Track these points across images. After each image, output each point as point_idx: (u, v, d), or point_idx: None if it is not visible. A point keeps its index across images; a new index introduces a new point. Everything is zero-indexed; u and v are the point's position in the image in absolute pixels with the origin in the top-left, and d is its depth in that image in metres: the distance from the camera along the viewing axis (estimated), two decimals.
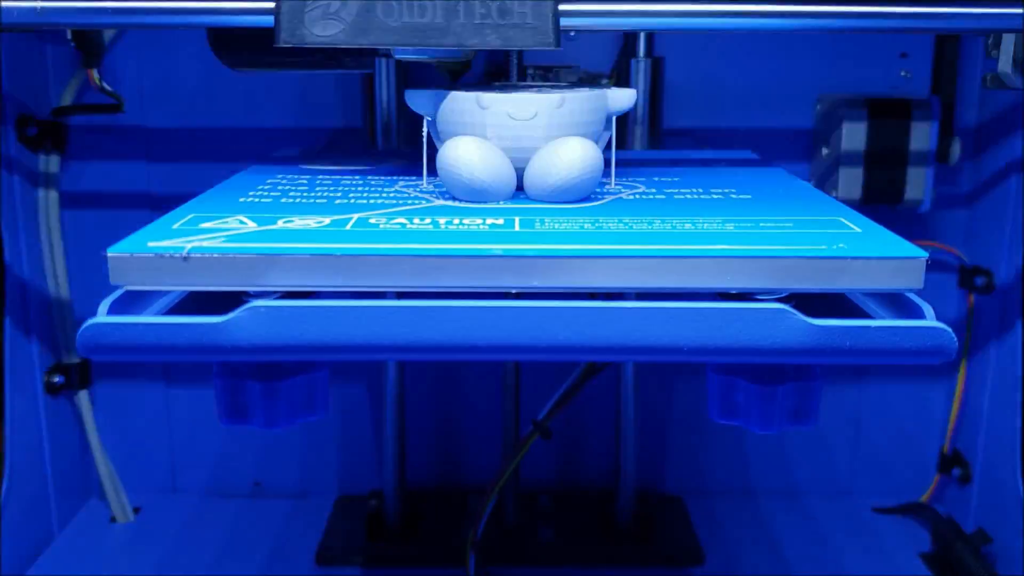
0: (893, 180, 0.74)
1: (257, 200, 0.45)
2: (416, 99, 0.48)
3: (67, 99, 0.76)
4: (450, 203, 0.45)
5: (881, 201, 0.74)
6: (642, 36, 0.69)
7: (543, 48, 0.45)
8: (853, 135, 0.73)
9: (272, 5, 0.45)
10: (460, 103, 0.46)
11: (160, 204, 0.79)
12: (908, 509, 0.83)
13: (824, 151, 0.76)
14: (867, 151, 0.73)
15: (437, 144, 0.47)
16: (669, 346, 0.36)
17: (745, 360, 0.39)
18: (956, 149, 0.76)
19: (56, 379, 0.77)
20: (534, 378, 0.75)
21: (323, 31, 0.44)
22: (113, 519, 0.82)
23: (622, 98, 0.48)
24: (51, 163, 0.76)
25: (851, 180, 0.74)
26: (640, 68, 0.70)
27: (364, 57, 0.57)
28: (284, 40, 0.45)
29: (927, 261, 0.37)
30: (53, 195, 0.76)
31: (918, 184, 0.74)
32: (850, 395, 0.84)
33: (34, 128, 0.74)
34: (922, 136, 0.73)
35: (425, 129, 0.48)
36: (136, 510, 0.83)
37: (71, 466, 0.81)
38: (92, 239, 0.78)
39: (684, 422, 0.84)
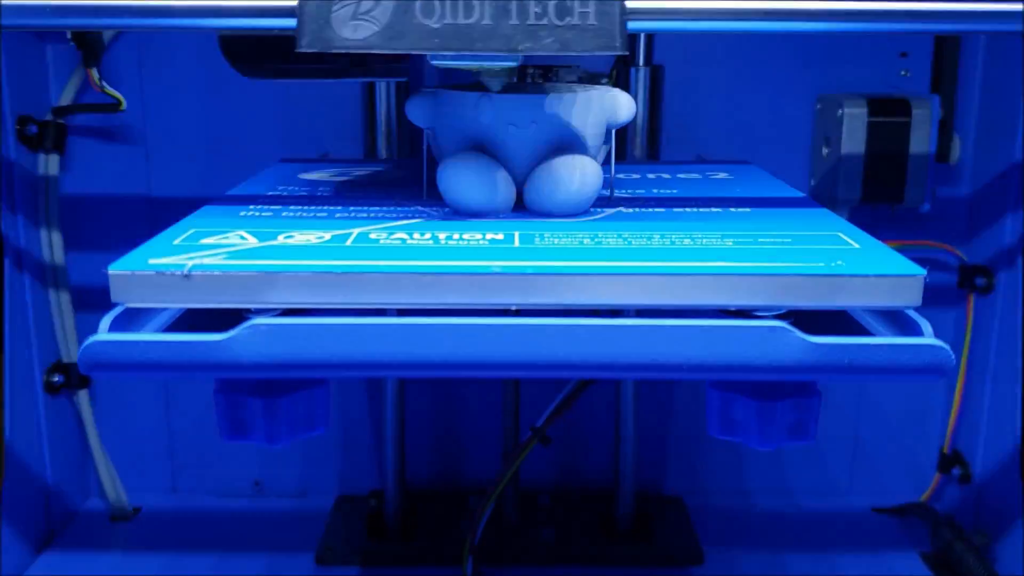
0: (893, 180, 0.74)
1: (257, 214, 0.45)
2: (416, 110, 0.47)
3: (67, 99, 0.76)
4: (450, 217, 0.45)
5: (881, 200, 0.74)
6: (641, 43, 0.69)
7: (607, 53, 0.39)
8: (853, 135, 0.73)
9: (293, 4, 0.39)
10: (460, 113, 0.46)
11: (160, 204, 0.79)
12: (908, 509, 0.83)
13: (824, 151, 0.76)
14: (867, 151, 0.73)
15: (437, 154, 0.47)
16: (668, 364, 0.36)
17: (744, 377, 0.39)
18: (956, 149, 0.76)
19: (56, 379, 0.77)
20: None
21: (353, 34, 0.39)
22: (113, 519, 0.82)
23: (622, 110, 0.47)
24: (51, 163, 0.75)
25: (851, 180, 0.74)
26: (640, 77, 0.69)
27: (398, 63, 0.51)
28: (307, 45, 0.39)
29: (925, 279, 0.37)
30: (53, 194, 0.76)
31: (918, 184, 0.74)
32: (849, 395, 0.84)
33: (34, 128, 0.74)
34: (922, 136, 0.73)
35: (425, 142, 0.48)
36: (136, 510, 0.83)
37: (71, 466, 0.81)
38: (92, 238, 0.78)
39: (684, 422, 0.84)
